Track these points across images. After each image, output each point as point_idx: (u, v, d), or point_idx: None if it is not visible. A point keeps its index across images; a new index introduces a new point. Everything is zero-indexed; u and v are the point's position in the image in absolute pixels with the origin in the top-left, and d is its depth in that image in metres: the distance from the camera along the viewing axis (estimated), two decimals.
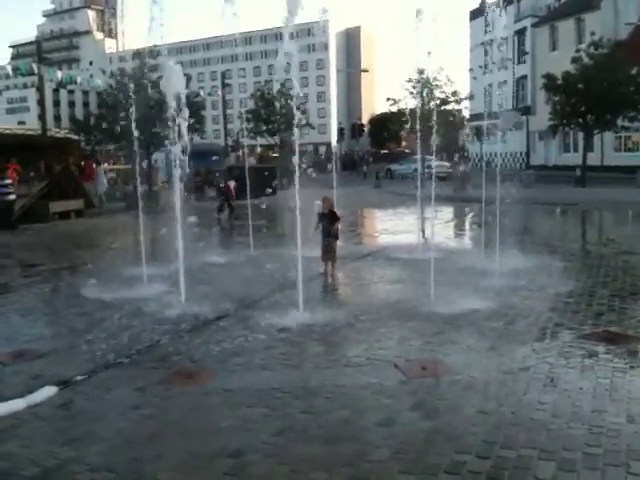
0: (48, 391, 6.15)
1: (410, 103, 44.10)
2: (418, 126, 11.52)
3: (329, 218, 11.68)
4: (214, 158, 37.05)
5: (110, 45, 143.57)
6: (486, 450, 4.73)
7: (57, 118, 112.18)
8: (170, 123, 8.72)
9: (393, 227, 19.98)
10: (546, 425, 5.12)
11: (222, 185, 23.69)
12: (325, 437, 5.07)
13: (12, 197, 21.09)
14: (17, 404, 5.85)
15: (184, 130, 9.14)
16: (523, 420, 5.23)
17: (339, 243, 12.10)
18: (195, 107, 42.28)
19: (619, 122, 32.92)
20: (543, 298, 9.58)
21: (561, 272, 11.48)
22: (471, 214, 21.83)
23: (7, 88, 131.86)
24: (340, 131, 76.39)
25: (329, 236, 11.68)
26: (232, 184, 24.26)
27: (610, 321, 8.16)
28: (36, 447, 5.05)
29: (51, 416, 5.71)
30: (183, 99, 8.58)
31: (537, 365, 6.56)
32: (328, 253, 11.69)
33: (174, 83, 8.58)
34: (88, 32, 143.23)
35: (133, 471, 4.66)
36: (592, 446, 4.75)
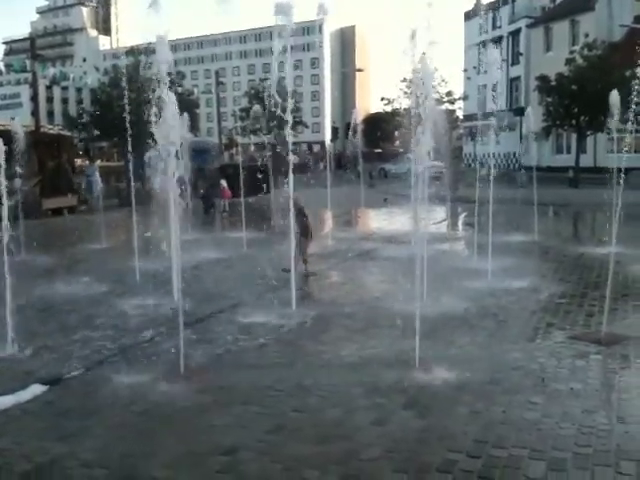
0: (36, 389, 6.14)
1: (404, 103, 44.21)
2: (412, 126, 11.51)
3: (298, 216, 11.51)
4: (208, 155, 36.99)
5: (104, 42, 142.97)
6: (477, 449, 4.75)
7: (50, 114, 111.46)
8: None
9: (386, 226, 19.99)
10: (537, 425, 5.15)
11: (202, 190, 24.07)
12: (318, 435, 5.09)
13: None
14: (6, 400, 5.85)
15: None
16: (514, 420, 5.26)
17: (331, 242, 12.07)
18: (189, 105, 42.14)
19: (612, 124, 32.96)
20: (535, 299, 9.63)
21: (553, 273, 11.53)
22: (464, 214, 21.86)
23: (0, 84, 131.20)
24: (334, 130, 76.48)
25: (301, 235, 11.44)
26: (223, 183, 24.28)
27: (601, 322, 8.20)
28: (29, 443, 5.05)
29: (43, 412, 5.71)
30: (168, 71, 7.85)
31: (528, 365, 6.60)
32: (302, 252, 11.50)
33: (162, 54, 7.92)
34: (82, 29, 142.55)
35: (126, 467, 4.67)
36: (582, 446, 4.78)
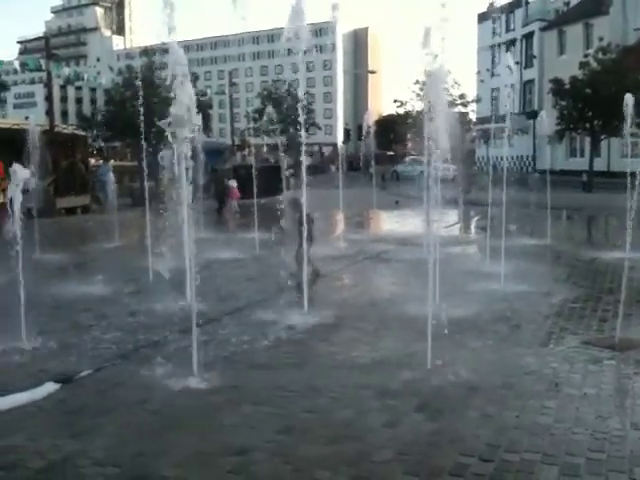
0: (50, 387, 6.17)
1: (417, 105, 44.16)
2: (426, 128, 11.48)
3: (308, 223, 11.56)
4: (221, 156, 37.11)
5: (118, 42, 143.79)
6: (490, 453, 4.73)
7: (64, 114, 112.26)
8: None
9: (398, 228, 19.98)
10: (549, 430, 5.12)
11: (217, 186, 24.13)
12: (329, 437, 5.08)
13: None
14: (21, 397, 5.88)
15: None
16: (527, 424, 5.24)
17: (343, 244, 12.06)
18: (202, 106, 42.28)
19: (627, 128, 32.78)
20: (548, 303, 9.58)
21: (566, 277, 11.47)
22: (476, 217, 21.82)
23: (15, 83, 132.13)
24: (346, 132, 76.34)
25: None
26: (234, 184, 24.29)
27: (615, 327, 8.15)
28: (43, 440, 5.08)
29: (57, 410, 5.74)
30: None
31: (541, 370, 6.56)
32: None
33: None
34: (96, 29, 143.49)
35: (138, 466, 4.68)
36: (595, 451, 4.75)
